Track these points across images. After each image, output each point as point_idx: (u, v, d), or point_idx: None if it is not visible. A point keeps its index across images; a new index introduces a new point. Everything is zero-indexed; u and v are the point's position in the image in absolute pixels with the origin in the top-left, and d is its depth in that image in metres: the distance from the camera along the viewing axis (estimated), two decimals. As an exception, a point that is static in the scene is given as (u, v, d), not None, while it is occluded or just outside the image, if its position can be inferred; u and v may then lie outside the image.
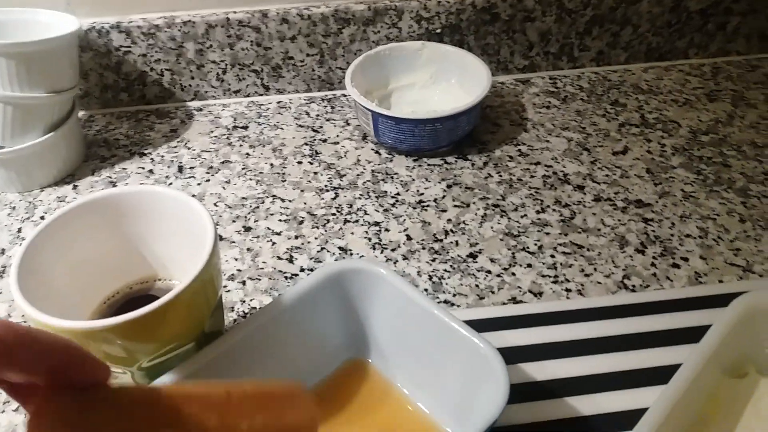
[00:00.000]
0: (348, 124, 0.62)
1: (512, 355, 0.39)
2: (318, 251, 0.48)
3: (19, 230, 0.51)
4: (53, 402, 0.19)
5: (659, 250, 0.47)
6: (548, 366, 0.39)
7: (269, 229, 0.50)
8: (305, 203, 0.52)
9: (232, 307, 0.44)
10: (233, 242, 0.49)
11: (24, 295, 0.29)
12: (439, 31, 0.64)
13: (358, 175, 0.55)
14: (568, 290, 0.44)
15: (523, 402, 0.37)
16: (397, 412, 0.35)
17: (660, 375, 0.37)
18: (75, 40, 0.54)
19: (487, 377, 0.30)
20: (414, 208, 0.51)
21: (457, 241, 0.48)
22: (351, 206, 0.52)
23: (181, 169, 0.57)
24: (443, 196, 0.53)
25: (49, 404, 0.19)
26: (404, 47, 0.62)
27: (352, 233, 0.49)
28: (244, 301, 0.44)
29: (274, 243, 0.49)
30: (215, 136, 0.61)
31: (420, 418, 0.35)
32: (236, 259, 0.48)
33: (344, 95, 0.66)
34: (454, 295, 0.44)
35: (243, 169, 0.57)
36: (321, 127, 0.62)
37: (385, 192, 0.53)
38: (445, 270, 0.46)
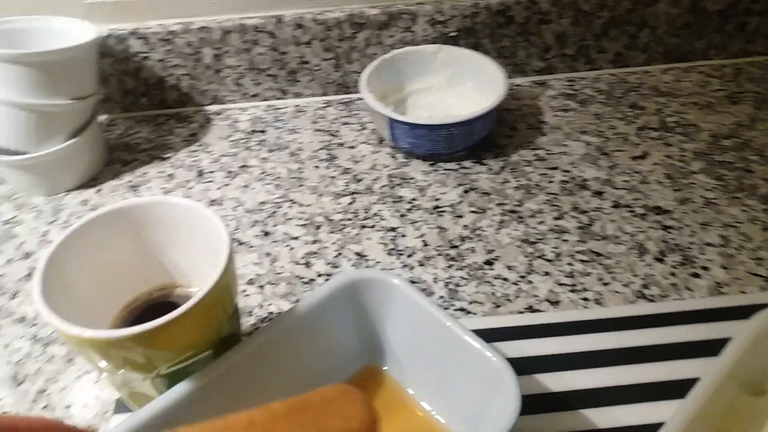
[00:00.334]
0: (364, 128, 0.62)
1: (528, 366, 0.39)
2: (335, 256, 0.48)
3: (45, 233, 0.52)
4: None
5: (679, 259, 0.46)
6: (565, 377, 0.39)
7: (287, 233, 0.51)
8: (322, 208, 0.53)
9: (250, 312, 0.45)
10: (252, 247, 0.50)
11: (47, 301, 0.29)
12: (454, 34, 0.64)
13: (374, 179, 0.55)
14: (585, 299, 0.44)
15: (538, 413, 0.37)
16: (409, 421, 0.36)
17: (678, 389, 0.37)
18: (94, 48, 0.54)
19: (498, 389, 0.30)
20: (430, 213, 0.51)
21: (473, 248, 0.48)
22: (367, 211, 0.52)
23: (200, 173, 0.58)
24: (460, 202, 0.52)
25: None
26: (419, 51, 0.62)
27: (369, 239, 0.49)
28: (262, 306, 0.45)
29: (291, 248, 0.49)
30: (234, 141, 0.62)
31: (432, 427, 0.35)
32: (255, 264, 0.48)
33: (360, 99, 0.66)
34: (471, 303, 0.44)
35: (261, 173, 0.57)
36: (338, 131, 0.62)
37: (401, 197, 0.53)
38: (462, 277, 0.46)
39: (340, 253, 0.48)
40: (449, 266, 0.47)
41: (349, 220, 0.51)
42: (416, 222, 0.51)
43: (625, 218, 0.50)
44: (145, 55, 0.62)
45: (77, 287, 0.33)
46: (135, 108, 0.66)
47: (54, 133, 0.53)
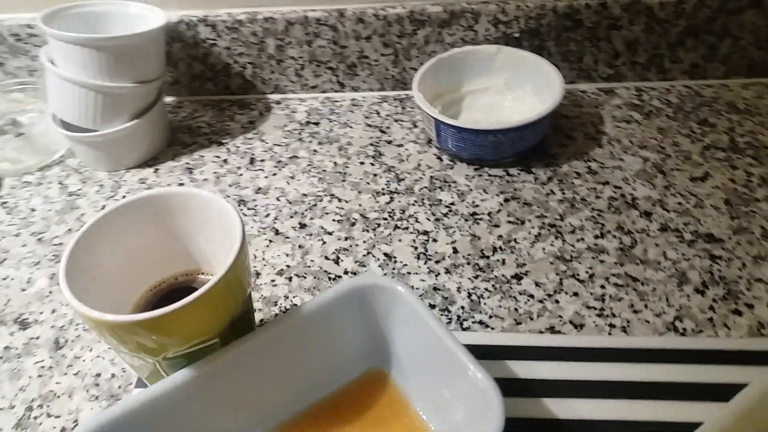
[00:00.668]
0: (415, 127, 0.62)
1: (537, 389, 0.38)
2: (364, 255, 0.49)
3: (103, 207, 0.56)
4: None
5: (722, 293, 0.44)
6: (574, 405, 0.37)
7: (322, 228, 0.52)
8: (360, 205, 0.53)
9: (276, 302, 0.46)
10: (287, 238, 0.51)
11: (69, 281, 0.32)
12: (517, 35, 0.62)
13: (416, 180, 0.55)
14: (612, 325, 0.42)
15: (540, 438, 0.36)
16: (403, 427, 0.36)
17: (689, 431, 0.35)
18: (161, 35, 0.57)
19: (485, 409, 0.30)
20: (466, 220, 0.51)
21: (504, 260, 0.47)
22: (403, 212, 0.52)
23: (252, 161, 0.60)
24: (498, 210, 0.51)
25: None
26: (479, 51, 0.61)
27: (400, 240, 0.50)
28: (287, 297, 0.46)
29: (324, 242, 0.50)
30: (288, 131, 0.63)
31: (430, 439, 0.35)
32: (287, 255, 0.49)
33: (417, 96, 0.66)
34: (491, 317, 0.43)
35: (308, 165, 0.58)
36: (389, 127, 0.62)
37: (440, 200, 0.53)
38: (486, 289, 0.45)
39: (369, 252, 0.49)
40: (476, 276, 0.46)
41: (385, 219, 0.52)
42: (450, 228, 0.50)
43: (671, 243, 0.47)
44: (213, 42, 0.64)
45: (104, 268, 0.35)
46: (201, 92, 0.69)
47: (118, 114, 0.56)
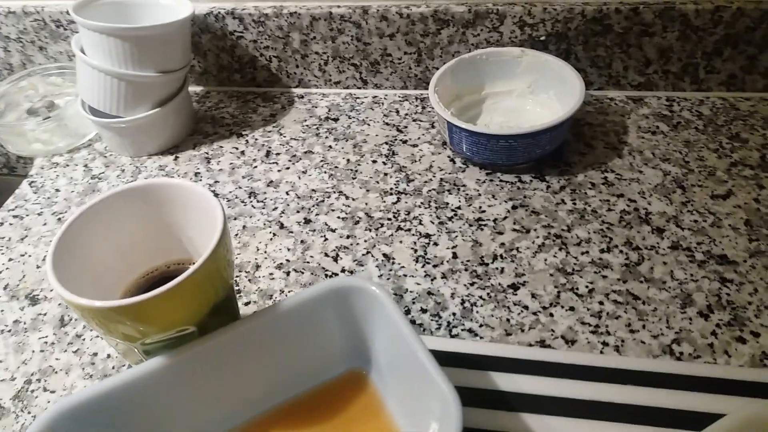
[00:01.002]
0: (433, 127, 0.61)
1: (517, 402, 0.38)
2: (363, 254, 0.49)
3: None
4: None
5: (727, 318, 0.41)
6: (551, 422, 0.36)
7: (326, 224, 0.52)
8: (366, 204, 0.53)
9: (271, 296, 0.47)
10: (291, 232, 0.51)
11: (55, 266, 0.33)
12: (543, 38, 0.60)
13: (426, 181, 0.55)
14: (605, 344, 0.41)
15: (512, 454, 0.35)
16: (376, 430, 0.36)
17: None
18: (186, 26, 0.59)
19: (447, 418, 0.30)
20: (470, 225, 0.50)
21: (503, 268, 0.46)
22: (408, 213, 0.52)
23: (268, 154, 0.60)
24: (505, 217, 0.51)
25: None
26: (502, 53, 0.60)
27: (401, 242, 0.49)
28: (283, 291, 0.47)
29: (326, 239, 0.50)
30: (307, 125, 0.64)
31: (397, 446, 0.35)
32: (288, 249, 0.50)
33: (439, 96, 0.65)
34: (481, 326, 0.43)
35: (321, 161, 0.59)
36: (406, 127, 0.62)
37: (447, 203, 0.52)
38: (481, 297, 0.45)
39: (369, 252, 0.49)
40: (472, 283, 0.46)
41: (389, 219, 0.51)
42: (453, 232, 0.50)
43: (680, 263, 0.45)
44: (240, 34, 0.66)
45: (95, 255, 0.36)
46: (228, 83, 0.70)
47: (142, 102, 0.58)
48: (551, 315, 0.43)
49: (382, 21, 0.62)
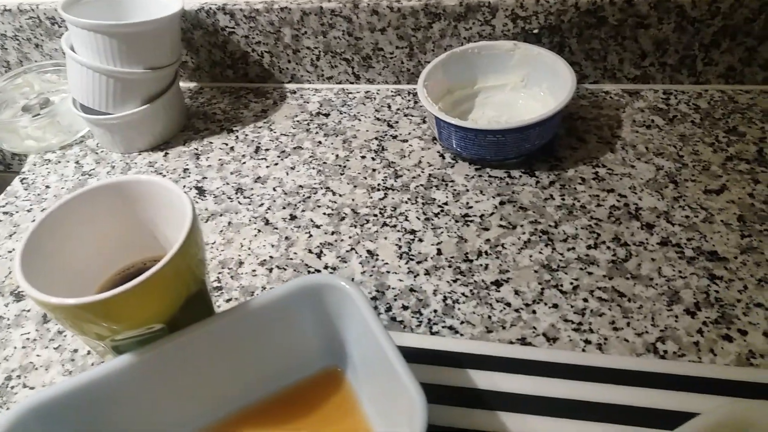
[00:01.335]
0: (424, 122, 0.61)
1: (494, 401, 0.37)
2: (347, 251, 0.48)
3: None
4: None
5: (714, 316, 0.40)
6: (529, 421, 0.36)
7: (312, 221, 0.51)
8: (353, 200, 0.53)
9: (253, 292, 0.46)
10: (276, 228, 0.51)
11: (25, 261, 0.33)
12: (536, 31, 0.59)
13: (414, 177, 0.54)
14: (587, 341, 0.40)
15: (487, 453, 0.35)
16: (352, 429, 0.35)
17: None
18: (175, 22, 0.58)
19: (412, 416, 0.29)
20: (456, 221, 0.49)
21: (487, 265, 0.46)
22: (395, 210, 0.51)
23: (257, 150, 0.60)
24: (491, 213, 0.50)
25: None
26: (495, 46, 0.59)
27: (386, 238, 0.49)
28: (264, 288, 0.46)
29: (311, 235, 0.50)
30: (298, 121, 0.63)
31: (369, 444, 0.34)
32: (272, 246, 0.50)
33: (431, 91, 0.65)
34: (462, 323, 0.42)
35: (310, 157, 0.58)
36: (397, 122, 0.61)
37: (434, 199, 0.52)
38: (463, 293, 0.44)
39: (353, 248, 0.48)
40: (455, 280, 0.45)
41: (374, 216, 0.51)
42: (438, 228, 0.49)
43: (669, 259, 0.44)
44: (232, 30, 0.65)
45: (68, 253, 0.36)
46: (221, 79, 0.70)
47: (130, 98, 0.58)
48: (534, 312, 0.42)
49: (373, 15, 0.61)
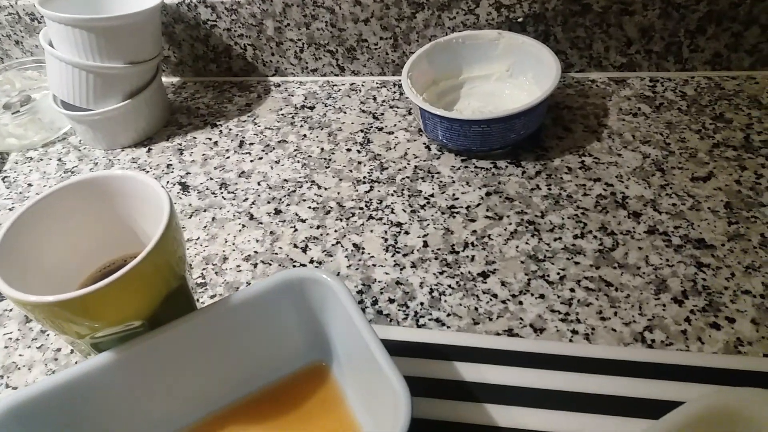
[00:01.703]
0: (409, 114, 0.60)
1: (481, 393, 0.37)
2: (333, 245, 0.48)
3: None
4: None
5: (702, 304, 0.40)
6: (516, 413, 0.35)
7: (297, 215, 0.51)
8: (339, 193, 0.52)
9: (237, 288, 0.46)
10: (261, 223, 0.51)
11: (1, 254, 0.32)
12: (520, 20, 0.59)
13: (400, 169, 0.54)
14: (574, 332, 0.40)
15: (474, 446, 0.34)
16: (335, 423, 0.35)
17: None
18: (155, 15, 0.57)
19: (396, 409, 0.29)
20: (443, 213, 0.49)
21: (473, 256, 0.45)
22: (381, 202, 0.51)
23: (242, 144, 0.59)
24: (478, 204, 0.49)
25: None
26: (479, 35, 0.58)
27: (372, 231, 0.48)
28: (249, 283, 0.46)
29: (296, 230, 0.49)
30: (282, 114, 0.62)
31: (353, 437, 0.34)
32: (257, 241, 0.49)
33: (417, 82, 0.64)
34: (449, 315, 0.42)
35: (295, 150, 0.58)
36: (382, 114, 0.60)
37: (420, 191, 0.51)
38: (450, 285, 0.43)
39: (339, 242, 0.48)
40: (441, 272, 0.44)
41: (360, 209, 0.50)
42: (425, 220, 0.49)
43: (657, 248, 0.44)
44: (213, 23, 0.64)
45: (46, 250, 0.36)
46: (204, 73, 0.69)
47: (111, 93, 0.57)
48: (520, 303, 0.42)
49: (355, 6, 0.60)
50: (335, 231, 0.49)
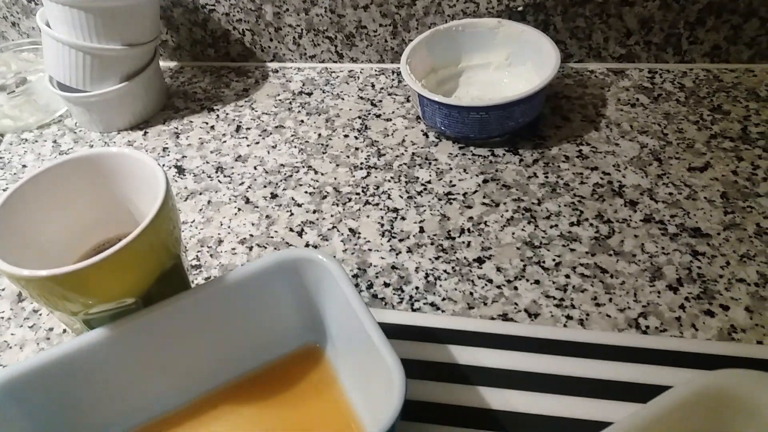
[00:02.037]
0: (407, 101, 0.60)
1: (475, 376, 0.37)
2: (329, 229, 0.48)
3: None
4: None
5: (697, 291, 0.40)
6: (509, 396, 0.35)
7: (293, 199, 0.51)
8: (335, 178, 0.52)
9: (232, 270, 0.45)
10: (257, 207, 0.50)
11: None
12: (520, 9, 0.59)
13: (397, 156, 0.53)
14: (569, 317, 0.40)
15: (467, 427, 0.34)
16: (328, 404, 0.35)
17: None
18: (153, -2, 0.57)
19: (390, 389, 0.28)
20: (439, 199, 0.49)
21: (469, 242, 0.45)
22: (377, 188, 0.51)
23: (238, 128, 0.59)
24: (475, 191, 0.49)
25: None
26: (478, 24, 0.58)
27: (368, 216, 0.48)
28: (243, 266, 0.46)
29: (292, 214, 0.49)
30: (280, 100, 0.62)
31: (344, 414, 0.34)
32: (253, 224, 0.49)
33: (415, 70, 0.64)
34: (444, 299, 0.42)
35: (292, 136, 0.57)
36: (380, 101, 0.60)
37: (417, 178, 0.51)
38: (445, 270, 0.43)
39: (335, 227, 0.48)
40: (437, 257, 0.44)
41: (357, 194, 0.50)
42: (421, 206, 0.48)
43: (652, 236, 0.44)
44: (212, 7, 0.64)
45: (40, 227, 0.36)
46: (202, 58, 0.69)
47: (108, 76, 0.57)
48: (515, 288, 0.42)
49: (355, -8, 0.60)
50: (331, 216, 0.49)
